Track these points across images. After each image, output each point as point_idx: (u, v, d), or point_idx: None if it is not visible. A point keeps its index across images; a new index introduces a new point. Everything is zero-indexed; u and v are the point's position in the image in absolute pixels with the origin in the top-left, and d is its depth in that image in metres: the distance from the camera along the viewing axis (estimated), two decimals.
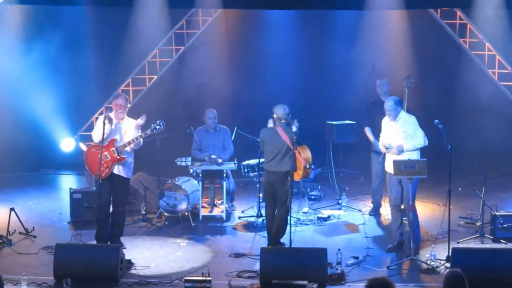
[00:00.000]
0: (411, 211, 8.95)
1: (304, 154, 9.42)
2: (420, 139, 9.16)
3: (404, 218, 9.43)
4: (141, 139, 9.35)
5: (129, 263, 8.68)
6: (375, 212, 11.04)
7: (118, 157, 9.24)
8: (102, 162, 9.10)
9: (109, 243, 9.19)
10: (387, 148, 9.23)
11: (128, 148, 9.29)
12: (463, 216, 10.60)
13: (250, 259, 9.00)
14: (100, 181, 9.06)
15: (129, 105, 9.58)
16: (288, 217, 9.27)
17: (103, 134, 9.08)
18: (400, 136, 9.18)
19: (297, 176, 9.48)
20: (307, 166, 9.42)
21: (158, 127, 9.41)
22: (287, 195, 9.15)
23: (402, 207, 9.37)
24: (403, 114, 9.30)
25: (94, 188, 9.64)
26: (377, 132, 10.03)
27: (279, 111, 9.43)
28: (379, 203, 11.01)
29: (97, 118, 14.27)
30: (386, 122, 9.41)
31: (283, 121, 9.40)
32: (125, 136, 9.31)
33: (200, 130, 11.35)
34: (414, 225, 9.06)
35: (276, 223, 9.35)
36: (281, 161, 9.25)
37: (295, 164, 9.25)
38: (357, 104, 13.49)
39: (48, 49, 13.92)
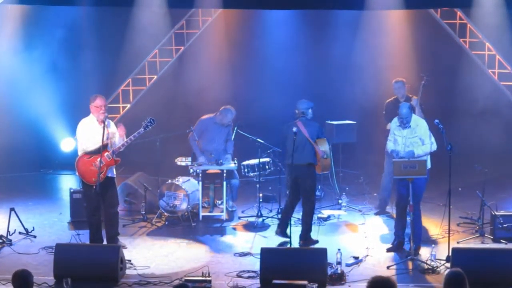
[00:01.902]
0: (411, 211, 8.96)
1: (322, 147, 9.60)
2: (429, 144, 9.14)
3: (409, 218, 9.44)
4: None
5: (129, 263, 8.68)
6: (381, 208, 11.04)
7: (114, 161, 9.17)
8: (97, 169, 8.97)
9: (106, 243, 9.19)
10: (397, 154, 9.20)
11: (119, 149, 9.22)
12: (463, 216, 10.61)
13: (254, 257, 8.97)
14: (95, 187, 8.97)
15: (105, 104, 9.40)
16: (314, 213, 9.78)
17: (103, 138, 8.96)
18: (413, 141, 9.18)
19: (317, 169, 9.69)
20: (325, 156, 9.60)
21: (149, 124, 9.32)
22: (312, 189, 9.59)
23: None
24: (415, 118, 9.32)
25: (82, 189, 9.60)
26: None
27: (299, 105, 9.81)
28: (387, 201, 11.01)
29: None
30: (395, 126, 9.39)
31: (302, 115, 9.71)
32: (114, 138, 9.23)
33: (208, 120, 11.24)
34: (416, 225, 9.07)
35: (303, 220, 9.65)
36: (301, 154, 9.43)
37: (315, 157, 9.53)
38: (357, 104, 13.51)
39: (48, 49, 13.92)
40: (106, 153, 9.08)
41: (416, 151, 9.12)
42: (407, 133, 9.25)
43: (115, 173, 9.39)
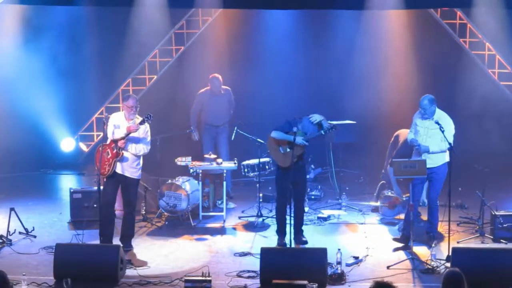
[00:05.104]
0: (411, 210, 9.00)
1: None
2: (446, 142, 9.10)
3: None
4: (144, 146, 9.29)
5: (129, 263, 8.68)
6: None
7: (116, 152, 9.18)
8: (105, 160, 9.14)
9: (119, 243, 9.18)
10: (417, 144, 9.28)
11: (132, 149, 9.23)
12: (463, 216, 10.61)
13: (254, 257, 8.97)
14: (105, 179, 9.13)
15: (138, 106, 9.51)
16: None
17: (104, 133, 9.12)
18: (434, 132, 9.22)
19: None
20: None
21: (146, 119, 9.33)
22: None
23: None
24: (439, 112, 9.37)
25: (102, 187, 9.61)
26: None
27: None
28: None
29: (99, 119, 14.29)
30: (418, 117, 9.44)
31: None
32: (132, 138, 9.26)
33: (204, 94, 11.97)
34: (436, 217, 9.40)
35: (301, 218, 9.74)
36: None
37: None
38: (357, 104, 13.50)
39: (48, 49, 13.91)
40: (112, 145, 9.19)
41: (432, 148, 9.17)
42: (429, 124, 9.29)
43: (136, 175, 9.36)
